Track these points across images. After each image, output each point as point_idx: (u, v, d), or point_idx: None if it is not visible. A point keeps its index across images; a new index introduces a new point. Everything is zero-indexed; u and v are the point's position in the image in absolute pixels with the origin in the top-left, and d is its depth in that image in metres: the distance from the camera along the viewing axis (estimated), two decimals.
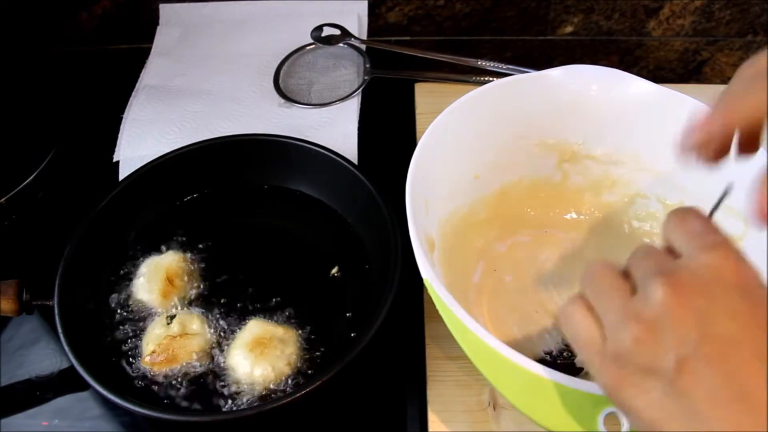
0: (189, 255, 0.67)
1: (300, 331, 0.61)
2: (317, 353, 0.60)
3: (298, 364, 0.59)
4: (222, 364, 0.59)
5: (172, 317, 0.61)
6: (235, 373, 0.58)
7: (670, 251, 0.37)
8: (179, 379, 0.59)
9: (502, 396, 0.56)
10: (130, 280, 0.65)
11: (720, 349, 0.32)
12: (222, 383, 0.58)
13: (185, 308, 0.63)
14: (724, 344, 0.32)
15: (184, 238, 0.69)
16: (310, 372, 0.59)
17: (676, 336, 0.33)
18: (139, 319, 0.62)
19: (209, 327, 0.62)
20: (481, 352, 0.47)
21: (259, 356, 0.58)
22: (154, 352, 0.59)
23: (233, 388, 0.58)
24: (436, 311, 0.50)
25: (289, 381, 0.58)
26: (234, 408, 0.57)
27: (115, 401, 0.54)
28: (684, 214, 0.37)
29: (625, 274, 0.37)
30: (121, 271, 0.66)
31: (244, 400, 0.57)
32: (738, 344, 0.32)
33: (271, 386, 0.58)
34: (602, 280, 0.37)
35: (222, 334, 0.61)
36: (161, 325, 0.60)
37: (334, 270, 0.65)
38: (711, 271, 0.34)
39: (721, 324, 0.32)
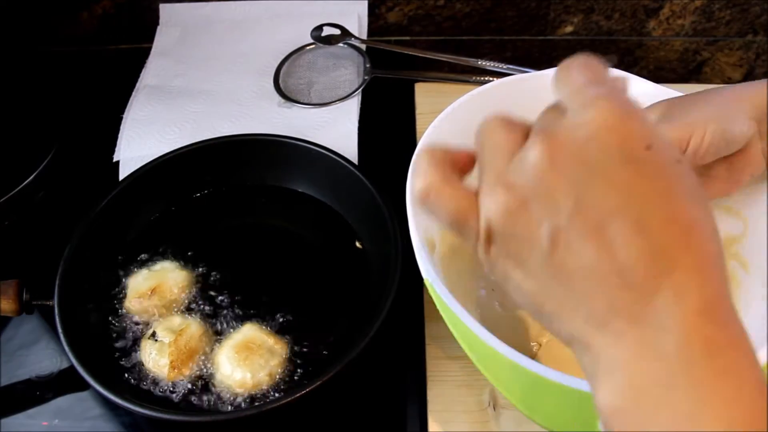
0: (182, 261, 0.66)
1: (291, 343, 0.60)
2: (305, 367, 0.59)
3: (280, 378, 0.58)
4: (209, 362, 0.59)
5: (153, 333, 0.60)
6: (217, 371, 0.59)
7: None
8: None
9: (502, 396, 0.56)
10: (127, 285, 0.65)
11: (594, 221, 0.28)
12: (207, 381, 0.59)
13: (159, 318, 0.62)
14: (599, 216, 0.28)
15: (182, 239, 0.68)
16: (287, 387, 0.57)
17: (548, 205, 0.29)
18: (139, 320, 0.62)
19: (193, 316, 0.62)
20: (481, 351, 0.47)
21: (243, 361, 0.58)
22: (172, 363, 0.58)
23: (214, 387, 0.58)
24: (436, 311, 0.50)
25: (265, 392, 0.57)
26: (211, 407, 0.57)
27: (115, 401, 0.54)
28: (568, 65, 0.32)
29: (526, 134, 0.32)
30: (122, 272, 0.66)
31: (218, 401, 0.57)
32: (614, 216, 0.28)
33: (247, 393, 0.57)
34: (492, 136, 0.32)
35: (216, 332, 0.61)
36: (152, 345, 0.60)
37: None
38: (591, 131, 0.29)
39: (596, 193, 0.28)
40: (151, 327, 0.61)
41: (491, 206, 0.31)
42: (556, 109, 0.32)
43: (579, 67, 0.32)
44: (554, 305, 0.30)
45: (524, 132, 0.32)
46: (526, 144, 0.30)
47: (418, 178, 0.33)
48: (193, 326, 0.61)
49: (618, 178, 0.28)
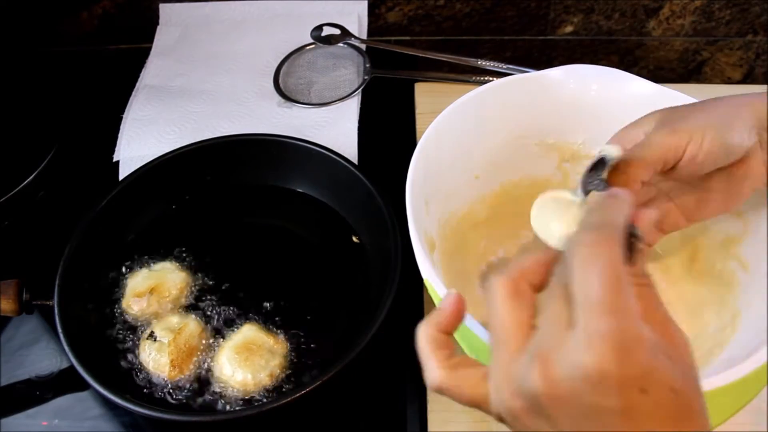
0: (182, 261, 0.66)
1: (292, 343, 0.60)
2: (305, 367, 0.59)
3: (281, 378, 0.58)
4: (209, 362, 0.59)
5: (151, 333, 0.60)
6: (218, 372, 0.59)
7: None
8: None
9: None
10: (127, 284, 0.65)
11: None
12: (207, 381, 0.59)
13: (156, 318, 0.62)
14: None
15: (182, 239, 0.68)
16: (288, 387, 0.58)
17: (547, 424, 0.31)
18: (138, 320, 0.62)
19: (192, 315, 0.62)
20: (481, 352, 0.47)
21: (244, 362, 0.58)
22: (173, 361, 0.58)
23: (215, 388, 0.58)
24: None
25: (267, 393, 0.57)
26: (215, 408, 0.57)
27: (115, 401, 0.54)
28: (589, 259, 0.32)
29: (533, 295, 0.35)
30: (121, 272, 0.66)
31: (218, 401, 0.57)
32: None
33: (248, 394, 0.57)
34: (499, 311, 0.34)
35: (216, 332, 0.61)
36: (151, 345, 0.60)
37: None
38: (588, 374, 0.29)
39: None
40: (148, 328, 0.61)
41: (498, 404, 0.34)
42: (559, 304, 0.32)
43: (604, 264, 0.31)
44: None
45: (530, 308, 0.34)
46: (526, 363, 0.32)
47: (426, 373, 0.37)
48: (192, 324, 0.61)
49: (611, 423, 0.30)
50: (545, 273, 0.35)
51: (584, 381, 0.29)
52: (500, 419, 0.35)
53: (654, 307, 0.33)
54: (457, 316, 0.38)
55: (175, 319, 0.61)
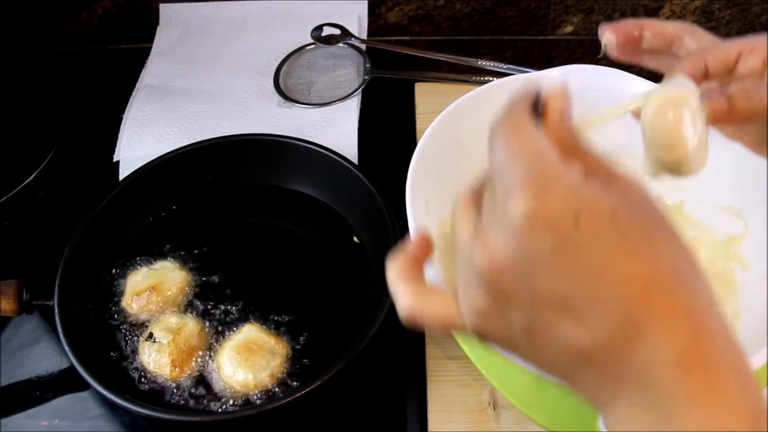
0: (182, 261, 0.66)
1: (292, 343, 0.60)
2: (305, 367, 0.59)
3: (281, 378, 0.58)
4: (209, 362, 0.59)
5: (150, 335, 0.60)
6: (218, 373, 0.59)
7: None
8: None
9: (502, 396, 0.56)
10: (127, 284, 0.65)
11: (554, 308, 0.30)
12: (208, 381, 0.59)
13: (153, 320, 0.62)
14: (556, 301, 0.30)
15: (182, 239, 0.68)
16: (289, 387, 0.57)
17: (510, 303, 0.31)
18: (138, 320, 0.63)
19: (189, 314, 0.62)
20: (481, 351, 0.47)
21: (244, 362, 0.58)
22: (173, 361, 0.58)
23: (215, 388, 0.58)
24: None
25: (268, 393, 0.57)
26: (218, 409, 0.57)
27: (115, 401, 0.54)
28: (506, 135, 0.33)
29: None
30: (121, 271, 0.66)
31: (223, 402, 0.57)
32: (568, 298, 0.29)
33: (249, 394, 0.57)
34: (457, 224, 0.34)
35: (217, 332, 0.61)
36: (150, 346, 0.59)
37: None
38: (517, 227, 0.29)
39: (544, 282, 0.30)
40: (148, 327, 0.61)
41: (466, 312, 0.33)
42: (486, 193, 0.33)
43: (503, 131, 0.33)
44: (558, 377, 0.32)
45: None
46: (471, 251, 0.32)
47: (397, 302, 0.36)
48: (191, 324, 0.61)
49: (556, 264, 0.29)
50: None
51: (517, 235, 0.29)
52: (477, 334, 0.34)
53: (593, 160, 0.33)
54: (426, 248, 0.38)
55: (173, 320, 0.61)
